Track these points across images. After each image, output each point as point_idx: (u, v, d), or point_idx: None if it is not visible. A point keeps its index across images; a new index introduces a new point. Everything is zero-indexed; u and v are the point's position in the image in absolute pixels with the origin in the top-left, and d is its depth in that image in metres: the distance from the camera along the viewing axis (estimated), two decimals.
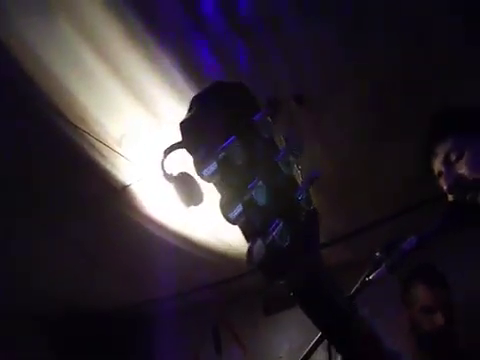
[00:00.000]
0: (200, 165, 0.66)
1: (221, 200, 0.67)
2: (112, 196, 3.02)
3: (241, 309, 4.46)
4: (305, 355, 1.43)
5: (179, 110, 2.49)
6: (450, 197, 1.50)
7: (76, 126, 2.48)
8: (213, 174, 0.66)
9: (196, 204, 0.69)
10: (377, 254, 1.46)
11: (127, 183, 2.95)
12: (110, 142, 2.64)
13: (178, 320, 4.54)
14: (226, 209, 0.66)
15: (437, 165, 1.56)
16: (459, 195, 1.44)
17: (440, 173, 1.54)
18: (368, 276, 1.44)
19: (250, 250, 0.67)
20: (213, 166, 0.66)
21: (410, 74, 2.51)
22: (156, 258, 3.61)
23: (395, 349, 0.87)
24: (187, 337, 4.63)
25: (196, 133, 0.69)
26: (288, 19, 2.20)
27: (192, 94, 2.11)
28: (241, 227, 0.71)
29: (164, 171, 0.70)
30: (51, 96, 2.31)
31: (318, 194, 3.37)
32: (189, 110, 0.71)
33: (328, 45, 2.32)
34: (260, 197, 0.69)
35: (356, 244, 3.87)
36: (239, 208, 0.67)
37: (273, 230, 0.69)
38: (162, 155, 0.72)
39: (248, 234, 0.71)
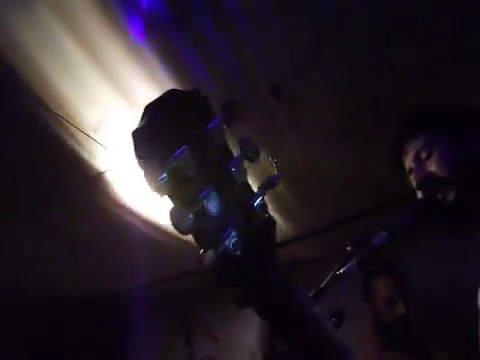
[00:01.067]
0: (151, 176, 0.66)
1: (171, 210, 0.66)
2: (88, 184, 3.01)
3: (213, 301, 4.46)
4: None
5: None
6: (419, 194, 1.53)
7: (53, 112, 2.46)
8: (164, 184, 0.66)
9: (165, 193, 0.69)
10: (348, 249, 1.48)
11: (102, 170, 2.94)
12: (87, 129, 2.63)
13: (149, 310, 4.53)
14: (176, 219, 0.66)
15: (408, 162, 1.58)
16: (428, 192, 1.47)
17: (411, 170, 1.57)
18: (338, 270, 1.46)
19: (201, 259, 0.68)
20: (164, 176, 0.65)
21: (383, 74, 2.54)
22: (129, 246, 3.60)
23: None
24: (159, 327, 4.63)
25: (147, 143, 0.69)
26: (268, 15, 2.21)
27: (169, 83, 2.13)
28: (193, 237, 0.71)
29: (138, 158, 0.70)
30: (29, 82, 2.30)
31: (290, 189, 3.42)
32: (141, 119, 0.71)
33: (306, 42, 2.34)
34: (212, 207, 0.69)
35: (327, 239, 3.91)
36: (190, 218, 0.66)
37: (225, 239, 0.68)
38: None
39: (200, 243, 0.71)
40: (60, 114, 2.48)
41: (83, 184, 3.01)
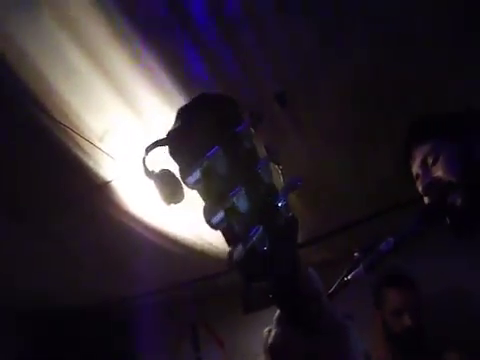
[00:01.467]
0: (185, 173, 0.69)
1: (204, 206, 0.70)
2: (93, 192, 3.02)
3: (220, 307, 4.46)
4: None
5: (162, 108, 2.50)
6: (426, 199, 1.53)
7: (58, 121, 2.46)
8: (197, 182, 0.70)
9: (176, 202, 0.72)
10: (355, 254, 1.48)
11: (108, 179, 2.95)
12: (92, 138, 2.63)
13: (157, 317, 4.53)
14: (209, 215, 0.70)
15: (415, 168, 1.59)
16: (434, 197, 1.47)
17: (417, 175, 1.58)
18: (346, 276, 1.46)
19: (231, 254, 0.71)
20: (197, 174, 0.69)
21: (390, 75, 2.54)
22: (136, 255, 3.61)
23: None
24: (165, 334, 4.63)
25: (181, 143, 0.72)
26: (272, 19, 2.21)
27: (175, 92, 2.14)
28: (223, 232, 0.75)
29: (145, 168, 0.73)
30: (34, 91, 2.29)
31: (297, 193, 3.42)
32: (175, 121, 0.74)
33: (309, 45, 2.34)
34: (241, 204, 0.73)
35: (334, 244, 3.91)
36: (221, 214, 0.70)
37: (253, 235, 0.73)
38: (144, 152, 0.75)
39: (229, 239, 0.75)
40: (65, 123, 2.48)
41: (89, 193, 3.01)
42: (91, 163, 2.78)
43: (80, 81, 2.32)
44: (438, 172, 1.49)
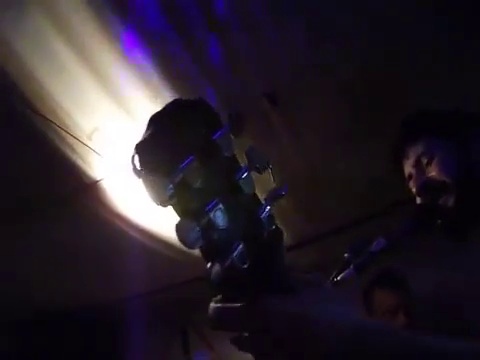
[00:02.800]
0: (156, 189, 0.64)
1: (177, 224, 0.65)
2: (82, 191, 2.99)
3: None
4: None
5: (152, 106, 2.48)
6: (419, 199, 1.51)
7: (47, 119, 2.44)
8: (170, 197, 0.64)
9: (170, 205, 0.67)
10: (345, 255, 1.46)
11: (98, 178, 2.92)
12: (81, 136, 2.61)
13: (146, 320, 4.51)
14: (183, 233, 0.65)
15: (408, 168, 1.56)
16: (428, 198, 1.45)
17: (410, 175, 1.55)
18: (336, 277, 1.44)
19: (208, 273, 0.67)
20: (170, 189, 0.64)
21: (380, 75, 2.53)
22: (125, 256, 3.57)
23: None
24: (155, 337, 4.60)
25: (152, 155, 0.67)
26: (262, 19, 2.20)
27: (165, 91, 2.12)
28: (200, 250, 0.70)
29: (134, 167, 0.67)
30: (23, 89, 2.29)
31: (287, 195, 3.38)
32: (146, 130, 0.69)
33: (300, 45, 2.33)
34: (219, 219, 0.67)
35: (324, 246, 3.89)
36: (197, 232, 0.64)
37: (233, 252, 0.67)
38: (133, 151, 0.69)
39: (207, 257, 0.69)
40: (55, 121, 2.46)
41: (78, 192, 2.99)
42: (80, 162, 2.76)
43: (69, 79, 2.30)
44: (433, 172, 1.46)
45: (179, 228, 0.65)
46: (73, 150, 2.68)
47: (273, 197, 0.78)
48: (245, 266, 0.68)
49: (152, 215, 3.27)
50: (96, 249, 3.55)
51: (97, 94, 2.39)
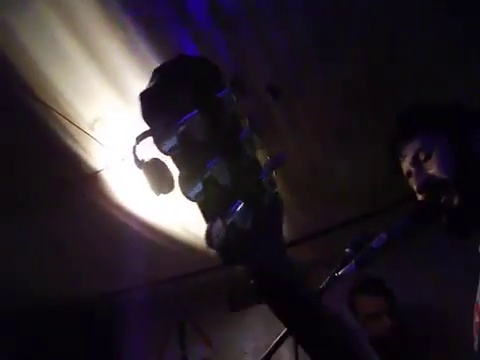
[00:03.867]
0: (159, 139, 0.64)
1: (180, 175, 0.65)
2: (83, 181, 2.98)
3: (207, 304, 4.44)
4: (269, 352, 1.42)
5: None
6: (420, 197, 1.49)
7: (49, 108, 2.43)
8: (172, 148, 0.64)
9: (166, 192, 0.67)
10: (347, 250, 1.45)
11: (99, 168, 2.91)
12: (83, 125, 2.60)
13: (144, 312, 4.50)
14: (185, 186, 0.64)
15: (406, 165, 1.54)
16: (429, 195, 1.44)
17: (409, 173, 1.53)
18: (337, 272, 1.43)
19: (209, 231, 0.66)
20: (173, 140, 0.63)
21: (386, 75, 2.53)
22: (124, 247, 3.57)
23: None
24: (152, 331, 4.60)
25: (156, 104, 0.67)
26: (268, 15, 2.19)
27: None
28: (200, 206, 0.69)
29: (136, 157, 0.68)
30: (25, 77, 2.27)
31: (288, 192, 3.39)
32: (150, 81, 0.69)
33: (304, 43, 2.33)
34: (221, 176, 0.67)
35: (324, 243, 3.88)
36: (199, 186, 0.65)
37: (234, 211, 0.67)
38: (134, 141, 0.70)
39: (207, 214, 0.69)
40: (56, 110, 2.45)
41: (78, 182, 2.98)
42: (81, 151, 2.75)
43: (72, 68, 2.29)
44: (432, 169, 1.44)
45: (181, 180, 0.65)
46: (74, 139, 2.67)
47: (274, 163, 0.79)
48: (246, 226, 0.68)
49: (152, 207, 3.26)
50: (95, 240, 3.55)
51: (100, 84, 2.38)
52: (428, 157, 1.47)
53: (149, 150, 0.75)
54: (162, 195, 0.67)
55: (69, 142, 2.68)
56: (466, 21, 2.28)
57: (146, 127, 0.72)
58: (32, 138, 2.61)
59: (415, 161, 1.51)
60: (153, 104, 0.66)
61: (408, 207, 1.50)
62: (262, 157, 0.80)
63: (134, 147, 0.69)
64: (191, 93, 0.68)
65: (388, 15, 2.23)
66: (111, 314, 4.69)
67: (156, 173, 0.65)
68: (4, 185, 2.89)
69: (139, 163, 0.68)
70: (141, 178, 0.66)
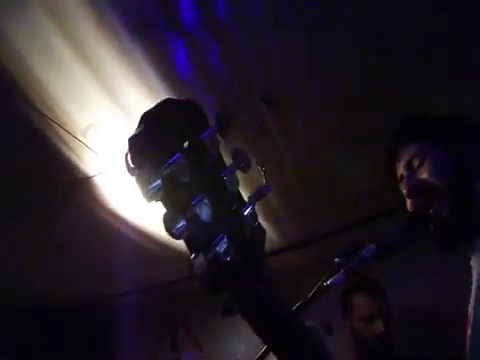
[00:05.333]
0: (145, 181, 0.68)
1: (165, 215, 0.69)
2: (75, 186, 2.98)
3: (199, 309, 4.41)
4: (260, 356, 1.43)
5: (147, 104, 2.45)
6: (409, 203, 1.50)
7: (42, 114, 2.44)
8: (157, 190, 0.68)
9: (157, 200, 0.70)
10: (336, 260, 1.46)
11: (91, 174, 2.91)
12: (76, 132, 2.60)
13: (136, 316, 4.50)
14: (169, 224, 0.68)
15: (400, 169, 1.56)
16: (419, 201, 1.45)
17: (402, 177, 1.55)
18: (325, 281, 1.44)
19: (191, 264, 0.70)
20: (157, 183, 0.67)
21: (378, 77, 2.53)
22: (117, 252, 3.57)
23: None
24: (144, 335, 4.59)
25: (142, 150, 0.70)
26: (261, 21, 2.20)
27: (162, 88, 2.12)
28: (185, 242, 0.74)
29: (128, 164, 0.71)
30: (18, 83, 2.28)
31: (280, 198, 3.40)
32: (137, 127, 0.73)
33: (298, 48, 2.33)
34: (204, 213, 0.71)
35: (317, 250, 3.89)
36: (182, 223, 0.68)
37: (216, 245, 0.71)
38: (126, 148, 0.73)
39: (191, 248, 0.73)
40: (49, 116, 2.46)
41: (71, 188, 2.98)
42: (74, 157, 2.76)
43: (65, 73, 2.30)
44: (423, 175, 1.46)
45: (166, 219, 0.69)
46: (67, 145, 2.67)
47: (257, 195, 0.82)
48: (228, 259, 0.72)
49: (145, 213, 3.26)
50: (88, 245, 3.54)
51: (93, 90, 2.39)
52: (421, 164, 1.48)
53: None
54: (153, 202, 0.70)
55: (62, 148, 2.68)
56: (465, 21, 2.28)
57: None
58: (25, 144, 2.61)
59: (408, 166, 1.52)
60: (138, 150, 0.71)
61: (401, 215, 1.51)
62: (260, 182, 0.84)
63: (126, 154, 0.72)
64: (175, 137, 0.73)
65: (386, 18, 2.23)
66: (105, 317, 4.68)
67: (147, 180, 0.68)
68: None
69: (131, 170, 0.71)
70: (133, 185, 0.69)
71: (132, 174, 0.71)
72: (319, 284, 1.43)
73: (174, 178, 0.69)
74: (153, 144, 0.70)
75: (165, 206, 0.72)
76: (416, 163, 1.49)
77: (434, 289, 3.59)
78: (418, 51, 2.40)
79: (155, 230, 3.49)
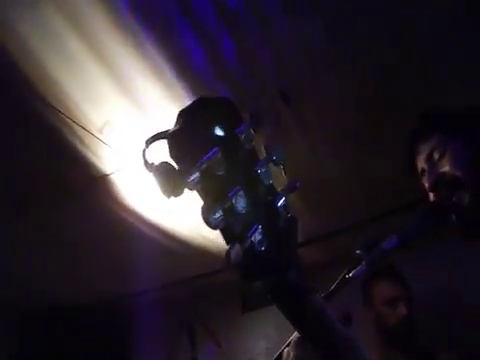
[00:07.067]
0: (184, 174, 0.70)
1: (203, 206, 0.71)
2: (92, 184, 2.99)
3: (218, 305, 4.43)
4: (280, 353, 1.42)
5: (163, 100, 2.47)
6: (431, 196, 1.49)
7: (58, 111, 2.44)
8: (196, 183, 0.71)
9: (176, 195, 0.72)
10: (357, 252, 1.45)
11: (108, 172, 2.92)
12: (92, 129, 2.60)
13: (154, 314, 4.51)
14: (207, 214, 0.70)
15: (420, 163, 1.55)
16: (441, 193, 1.44)
17: (423, 171, 1.54)
18: (348, 274, 1.43)
19: (228, 253, 0.71)
20: (196, 176, 0.70)
21: (396, 76, 2.51)
22: (134, 250, 3.58)
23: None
24: (163, 331, 4.61)
25: (181, 145, 0.74)
26: (277, 17, 2.19)
27: (177, 85, 2.11)
28: (221, 232, 0.76)
29: (145, 160, 0.74)
30: (34, 81, 2.28)
31: (299, 193, 3.38)
32: (175, 123, 0.76)
33: (315, 44, 2.32)
34: (240, 204, 0.74)
35: (334, 245, 3.88)
36: (219, 214, 0.71)
37: (251, 235, 0.74)
38: (144, 144, 0.77)
39: (228, 238, 0.76)
40: (65, 113, 2.46)
41: (87, 185, 2.98)
42: (90, 155, 2.76)
43: (80, 71, 2.30)
44: (445, 167, 1.45)
45: (204, 210, 0.71)
46: (83, 143, 2.68)
47: (288, 189, 0.86)
48: (263, 248, 0.75)
49: (162, 210, 3.26)
50: (104, 243, 3.56)
51: (109, 87, 2.39)
52: (442, 156, 1.48)
53: (159, 153, 0.76)
54: (172, 198, 0.72)
55: (78, 145, 2.68)
56: (474, 21, 2.26)
57: (154, 131, 0.79)
58: (42, 141, 2.62)
59: (429, 159, 1.52)
60: (178, 145, 0.74)
61: (420, 208, 1.49)
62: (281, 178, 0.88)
63: (143, 150, 0.75)
64: (212, 132, 0.76)
65: (401, 16, 2.21)
66: (121, 316, 4.70)
67: (166, 176, 0.70)
68: (13, 188, 2.90)
69: (149, 166, 0.73)
70: (150, 181, 0.72)
71: (149, 170, 0.72)
72: (341, 276, 1.42)
73: (211, 171, 0.72)
74: (191, 139, 0.74)
75: (202, 198, 0.75)
76: (437, 156, 1.49)
77: (455, 277, 3.57)
78: (435, 50, 2.38)
79: (172, 227, 3.49)
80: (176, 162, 0.73)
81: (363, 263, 1.42)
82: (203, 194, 0.75)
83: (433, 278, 3.61)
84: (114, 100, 2.46)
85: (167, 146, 0.75)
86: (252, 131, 0.80)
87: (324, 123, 2.81)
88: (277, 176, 0.87)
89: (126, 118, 2.57)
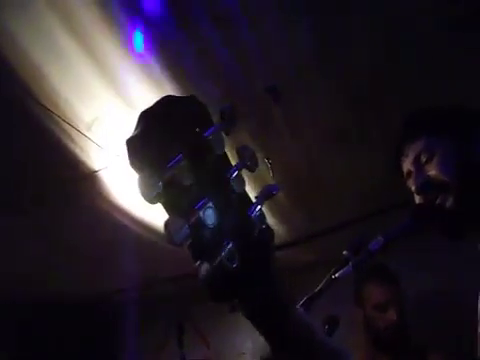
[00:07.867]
0: (144, 186, 0.63)
1: (166, 221, 0.64)
2: (80, 181, 2.97)
3: (206, 305, 4.42)
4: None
5: (153, 98, 2.45)
6: (417, 199, 1.50)
7: (47, 108, 2.43)
8: (158, 195, 0.63)
9: (154, 203, 0.66)
10: (344, 253, 1.45)
11: (96, 169, 2.91)
12: (81, 127, 2.59)
13: (142, 312, 4.50)
14: (171, 231, 0.63)
15: (407, 165, 1.55)
16: (427, 196, 1.44)
17: (409, 173, 1.54)
18: (334, 274, 1.43)
19: (197, 270, 0.66)
20: (158, 186, 0.63)
21: (387, 76, 2.52)
22: (121, 247, 3.55)
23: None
24: (150, 330, 4.60)
25: (141, 151, 0.66)
26: (268, 16, 2.19)
27: (167, 83, 2.10)
28: (188, 248, 0.68)
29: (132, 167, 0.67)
30: (23, 77, 2.26)
31: (286, 193, 3.39)
32: (135, 127, 0.68)
33: (305, 44, 2.32)
34: (208, 218, 0.66)
35: (323, 244, 3.88)
36: (185, 230, 0.63)
37: (222, 251, 0.66)
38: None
39: (196, 256, 0.68)
40: (53, 110, 2.44)
41: (76, 183, 2.97)
42: (78, 152, 2.74)
43: (70, 67, 2.28)
44: (432, 170, 1.45)
45: (167, 226, 0.63)
46: (72, 140, 2.66)
47: (264, 196, 0.78)
48: (234, 265, 0.67)
49: (150, 207, 3.24)
50: (93, 239, 3.55)
51: (98, 84, 2.38)
52: (430, 159, 1.47)
53: None
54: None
55: (67, 142, 2.67)
56: (467, 20, 2.27)
57: None
58: (30, 138, 2.60)
59: (416, 162, 1.51)
60: (137, 152, 0.66)
61: (407, 209, 1.50)
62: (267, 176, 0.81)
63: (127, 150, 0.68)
64: (177, 136, 0.67)
65: (389, 15, 2.21)
66: (109, 314, 4.68)
67: (143, 180, 0.64)
68: (1, 184, 2.88)
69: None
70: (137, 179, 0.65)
71: (136, 170, 0.67)
72: (327, 277, 1.43)
73: (176, 181, 0.65)
74: (152, 145, 0.66)
75: (167, 211, 0.67)
76: (424, 159, 1.49)
77: (444, 277, 3.58)
78: (427, 52, 2.39)
79: (161, 225, 3.47)
80: (136, 171, 0.65)
81: (349, 264, 1.42)
82: (167, 207, 0.67)
83: (428, 279, 3.62)
84: (103, 97, 2.44)
85: (126, 153, 0.67)
86: (223, 134, 0.71)
87: (314, 122, 2.81)
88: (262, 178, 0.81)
89: (115, 115, 2.56)
